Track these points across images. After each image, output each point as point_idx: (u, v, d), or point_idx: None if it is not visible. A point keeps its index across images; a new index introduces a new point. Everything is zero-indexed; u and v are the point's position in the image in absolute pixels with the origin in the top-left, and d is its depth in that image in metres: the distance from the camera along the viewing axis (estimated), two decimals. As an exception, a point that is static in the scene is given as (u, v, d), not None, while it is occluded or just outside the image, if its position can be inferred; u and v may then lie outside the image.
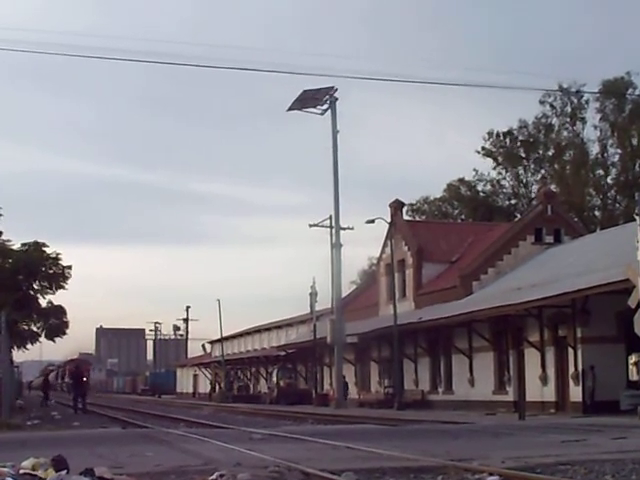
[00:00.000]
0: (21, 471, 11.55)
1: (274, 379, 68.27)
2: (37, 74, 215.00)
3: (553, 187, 69.59)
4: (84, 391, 46.79)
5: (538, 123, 78.10)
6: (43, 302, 47.92)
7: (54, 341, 49.85)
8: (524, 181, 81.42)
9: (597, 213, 76.42)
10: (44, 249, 47.00)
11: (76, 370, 48.58)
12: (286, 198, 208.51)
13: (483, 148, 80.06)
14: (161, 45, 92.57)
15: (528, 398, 34.07)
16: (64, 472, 11.34)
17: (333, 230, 50.96)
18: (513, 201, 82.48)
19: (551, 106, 76.45)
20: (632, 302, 25.31)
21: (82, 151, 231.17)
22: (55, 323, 48.51)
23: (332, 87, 48.82)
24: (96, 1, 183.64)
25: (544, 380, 37.17)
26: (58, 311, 48.53)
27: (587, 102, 75.37)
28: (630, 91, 72.26)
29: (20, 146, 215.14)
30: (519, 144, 79.79)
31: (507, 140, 79.84)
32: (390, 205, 56.23)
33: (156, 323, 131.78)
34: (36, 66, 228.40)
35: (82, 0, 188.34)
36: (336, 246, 50.02)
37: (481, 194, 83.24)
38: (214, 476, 11.39)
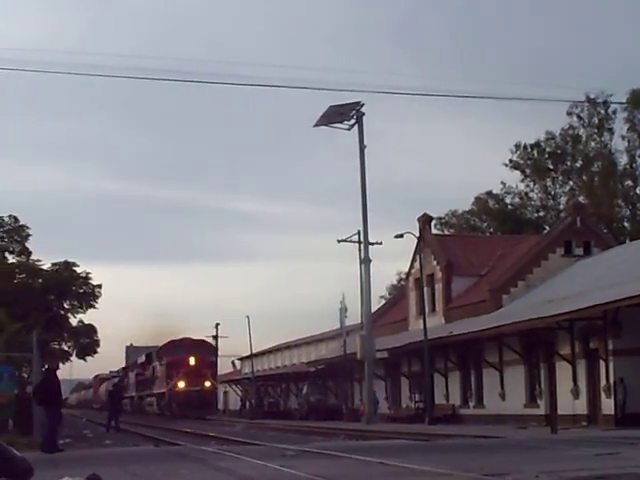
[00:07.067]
0: (57, 490, 11.63)
1: (304, 395, 68.25)
2: (65, 94, 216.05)
3: (582, 199, 69.36)
4: (120, 409, 47.09)
5: (565, 134, 77.76)
6: (74, 321, 48.31)
7: (85, 360, 50.17)
8: (552, 193, 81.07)
9: (626, 224, 75.88)
10: (74, 269, 47.29)
11: (114, 389, 48.76)
12: (314, 213, 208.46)
13: (511, 161, 79.77)
14: (189, 64, 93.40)
15: (560, 411, 33.91)
16: (99, 490, 11.43)
17: (362, 245, 50.84)
18: (542, 213, 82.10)
19: (578, 117, 76.14)
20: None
21: (111, 171, 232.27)
22: (86, 342, 48.80)
23: (358, 102, 48.68)
24: (118, 20, 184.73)
25: (576, 393, 36.93)
26: (89, 330, 48.84)
27: (615, 112, 74.89)
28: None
29: (49, 166, 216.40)
30: (547, 156, 79.41)
31: (535, 152, 79.50)
32: (418, 219, 56.21)
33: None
34: (64, 86, 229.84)
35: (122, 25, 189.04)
36: (365, 261, 49.84)
37: (509, 207, 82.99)
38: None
